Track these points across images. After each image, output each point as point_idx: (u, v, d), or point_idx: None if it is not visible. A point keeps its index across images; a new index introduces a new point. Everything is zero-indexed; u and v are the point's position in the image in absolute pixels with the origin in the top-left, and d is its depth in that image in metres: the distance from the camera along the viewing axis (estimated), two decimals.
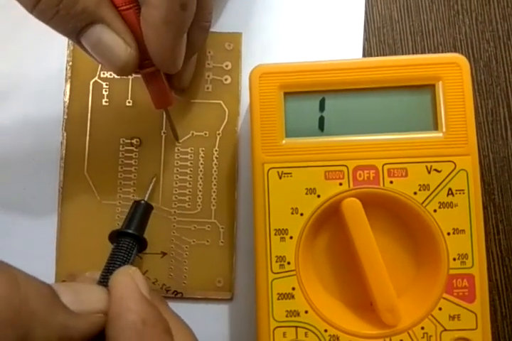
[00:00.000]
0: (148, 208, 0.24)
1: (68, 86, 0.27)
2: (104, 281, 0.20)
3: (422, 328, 0.22)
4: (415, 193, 0.22)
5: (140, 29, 0.21)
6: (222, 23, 0.27)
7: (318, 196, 0.22)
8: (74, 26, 0.20)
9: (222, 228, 0.26)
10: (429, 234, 0.22)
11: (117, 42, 0.20)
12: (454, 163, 0.22)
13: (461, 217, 0.22)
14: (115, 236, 0.23)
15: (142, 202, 0.24)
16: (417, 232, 0.22)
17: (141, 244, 0.23)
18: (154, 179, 0.26)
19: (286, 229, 0.22)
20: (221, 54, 0.26)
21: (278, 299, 0.22)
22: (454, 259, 0.22)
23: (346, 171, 0.22)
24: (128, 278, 0.19)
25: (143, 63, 0.22)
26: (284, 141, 0.23)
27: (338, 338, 0.22)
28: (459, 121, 0.22)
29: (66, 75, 0.27)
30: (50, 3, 0.19)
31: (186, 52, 0.23)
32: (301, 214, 0.22)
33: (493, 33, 0.27)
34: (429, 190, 0.22)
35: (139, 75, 0.23)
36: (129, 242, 0.22)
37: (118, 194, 0.26)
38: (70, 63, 0.27)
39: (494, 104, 0.27)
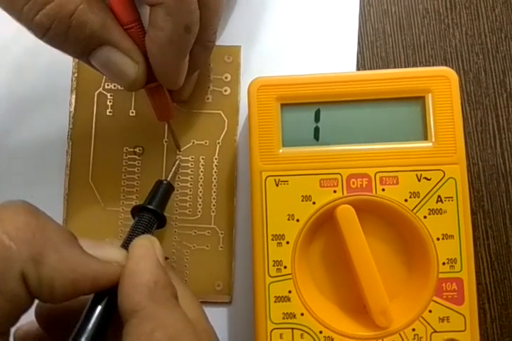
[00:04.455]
0: (169, 188, 0.25)
1: (74, 97, 0.28)
2: (124, 248, 0.21)
3: (413, 330, 0.22)
4: (406, 200, 0.23)
5: (144, 46, 0.22)
6: (223, 37, 0.28)
7: (314, 203, 0.23)
8: (82, 49, 0.21)
9: (221, 233, 0.27)
10: (420, 240, 0.23)
11: (125, 61, 0.21)
12: (443, 172, 0.23)
13: (450, 223, 0.23)
14: (137, 211, 0.24)
15: (165, 181, 0.25)
16: (407, 238, 0.23)
17: (161, 220, 0.24)
18: (177, 161, 0.27)
19: (283, 235, 0.23)
20: (221, 66, 0.27)
21: (275, 302, 0.23)
22: (444, 264, 0.23)
23: (340, 179, 0.23)
24: (148, 243, 0.20)
25: (147, 78, 0.22)
26: (280, 150, 0.23)
27: (332, 339, 0.22)
28: (447, 131, 0.23)
29: (72, 86, 0.28)
30: (59, 30, 0.20)
31: (189, 69, 0.24)
32: (297, 220, 0.23)
33: (482, 45, 0.29)
34: (419, 197, 0.23)
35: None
36: (149, 217, 0.24)
37: (121, 201, 0.27)
38: (76, 75, 0.28)
39: (483, 114, 0.28)
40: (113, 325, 0.19)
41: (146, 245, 0.20)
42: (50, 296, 0.17)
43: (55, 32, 0.20)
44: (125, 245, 0.21)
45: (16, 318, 0.17)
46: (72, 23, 0.20)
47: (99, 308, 0.19)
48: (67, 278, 0.17)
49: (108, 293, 0.19)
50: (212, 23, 0.24)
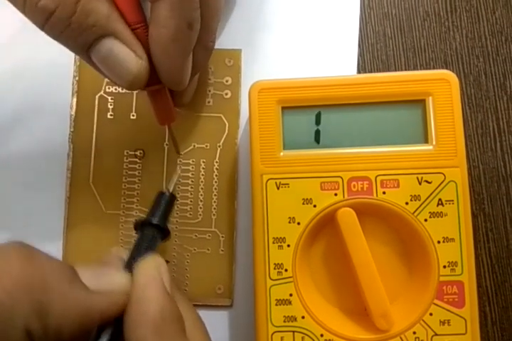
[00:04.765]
0: (172, 199, 0.25)
1: (75, 100, 0.28)
2: (128, 268, 0.21)
3: (414, 333, 0.22)
4: (407, 203, 0.23)
5: (148, 47, 0.21)
6: (223, 40, 0.28)
7: (315, 206, 0.23)
8: (85, 40, 0.20)
9: (222, 237, 0.27)
10: (420, 243, 0.23)
11: (128, 55, 0.21)
12: (444, 175, 0.23)
13: (451, 226, 0.23)
14: (140, 225, 0.24)
15: (166, 192, 0.25)
16: (408, 241, 0.23)
17: (164, 233, 0.24)
18: (179, 171, 0.27)
19: (284, 238, 0.23)
20: (222, 69, 0.28)
21: (276, 305, 0.23)
22: (444, 267, 0.23)
23: (341, 182, 0.23)
24: (153, 268, 0.20)
25: (149, 80, 0.22)
26: (281, 153, 0.23)
27: None
28: (448, 134, 0.23)
29: (73, 89, 0.28)
30: (63, 15, 0.19)
31: (191, 71, 0.24)
32: (298, 223, 0.23)
33: (482, 48, 0.29)
34: (420, 200, 0.23)
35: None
36: (153, 231, 0.23)
37: (122, 204, 0.27)
38: (77, 78, 0.28)
39: (484, 117, 0.28)
40: None
41: (151, 271, 0.19)
42: (56, 339, 0.17)
43: (59, 17, 0.19)
44: (130, 262, 0.21)
45: None
46: (78, 9, 0.19)
47: (105, 338, 0.19)
48: (75, 320, 0.17)
49: (113, 321, 0.19)
50: (212, 22, 0.23)
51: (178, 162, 0.27)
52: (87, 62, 0.22)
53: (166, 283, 0.19)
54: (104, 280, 0.19)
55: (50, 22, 0.19)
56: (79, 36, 0.20)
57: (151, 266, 0.20)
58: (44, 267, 0.17)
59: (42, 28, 0.20)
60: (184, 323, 0.19)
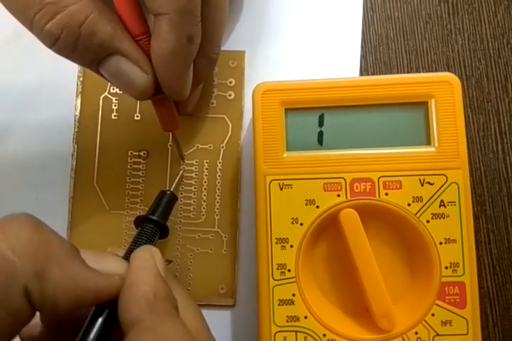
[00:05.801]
0: (172, 198, 0.26)
1: (79, 100, 0.28)
2: (126, 259, 0.21)
3: (416, 333, 0.23)
4: (409, 204, 0.23)
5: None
6: (227, 42, 0.28)
7: (317, 207, 0.23)
8: (92, 59, 0.21)
9: (225, 237, 0.27)
10: (423, 244, 0.23)
11: (135, 71, 0.21)
12: (446, 176, 0.23)
13: (453, 228, 0.23)
14: (140, 222, 0.24)
15: (168, 192, 0.25)
16: (410, 242, 0.24)
17: (163, 231, 0.24)
18: (181, 171, 0.27)
19: (287, 238, 0.23)
20: (225, 71, 0.28)
21: (279, 305, 0.23)
22: (446, 267, 0.23)
23: (344, 183, 0.23)
24: (148, 254, 0.20)
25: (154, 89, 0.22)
26: (285, 155, 0.24)
27: None
28: (450, 136, 0.23)
29: (77, 90, 0.28)
30: (68, 40, 0.20)
31: (193, 81, 0.24)
32: (301, 224, 0.23)
33: (484, 51, 0.29)
34: (422, 201, 0.23)
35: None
36: (152, 228, 0.24)
37: (126, 204, 0.27)
38: (81, 79, 0.28)
39: (485, 119, 0.28)
40: (115, 335, 0.19)
41: (145, 256, 0.20)
42: (52, 310, 0.17)
43: (65, 42, 0.20)
44: (127, 255, 0.22)
45: (17, 331, 0.17)
46: (82, 32, 0.20)
47: (100, 320, 0.19)
48: (70, 292, 0.17)
49: (109, 304, 0.19)
50: (216, 35, 0.24)
51: (181, 168, 0.27)
52: (99, 75, 0.22)
53: (159, 267, 0.20)
54: (102, 263, 0.19)
55: (56, 46, 0.20)
56: (86, 56, 0.21)
57: (146, 252, 0.20)
58: (50, 237, 0.18)
59: (50, 49, 0.21)
60: (177, 302, 0.19)
